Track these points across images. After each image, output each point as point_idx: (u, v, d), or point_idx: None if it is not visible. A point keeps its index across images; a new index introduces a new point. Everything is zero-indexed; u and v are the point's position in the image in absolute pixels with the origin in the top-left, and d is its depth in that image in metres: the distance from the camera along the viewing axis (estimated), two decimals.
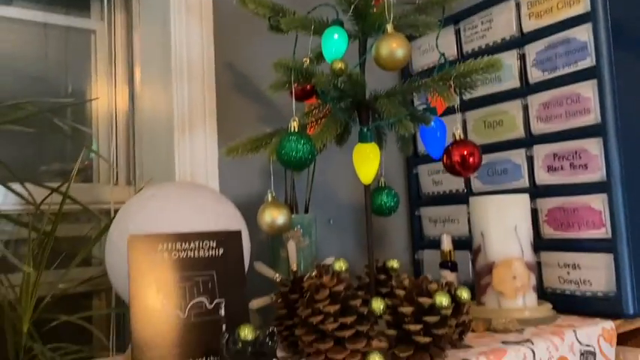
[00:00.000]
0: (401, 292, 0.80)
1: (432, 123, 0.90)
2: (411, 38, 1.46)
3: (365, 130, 0.85)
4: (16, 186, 1.04)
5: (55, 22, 1.34)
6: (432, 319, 0.76)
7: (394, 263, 0.98)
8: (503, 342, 0.89)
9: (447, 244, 1.24)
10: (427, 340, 0.76)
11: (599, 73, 1.07)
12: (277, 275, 1.02)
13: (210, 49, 1.19)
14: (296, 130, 0.79)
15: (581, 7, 1.11)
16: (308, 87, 0.89)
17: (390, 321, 0.79)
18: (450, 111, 1.13)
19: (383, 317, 0.79)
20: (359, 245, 1.42)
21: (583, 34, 1.11)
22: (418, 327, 0.76)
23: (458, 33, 1.37)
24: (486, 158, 1.29)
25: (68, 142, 1.30)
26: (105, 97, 1.34)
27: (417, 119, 0.87)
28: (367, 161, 0.85)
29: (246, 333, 0.70)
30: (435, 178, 1.44)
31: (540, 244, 1.18)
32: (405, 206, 1.52)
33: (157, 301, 0.76)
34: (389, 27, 0.82)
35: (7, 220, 1.05)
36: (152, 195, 0.85)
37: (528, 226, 1.08)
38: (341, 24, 0.91)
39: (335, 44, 0.87)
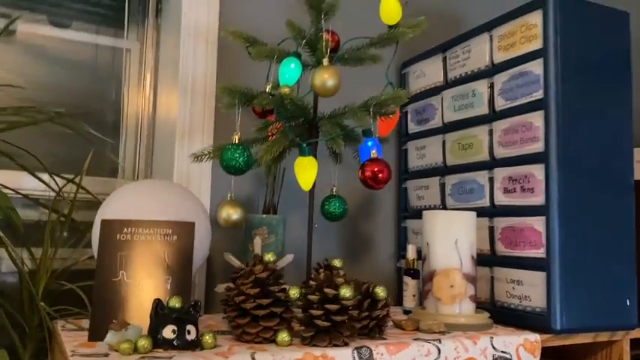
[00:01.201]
0: (313, 283, 0.94)
1: (369, 142, 1.04)
2: (407, 64, 1.60)
3: (304, 145, 1.01)
4: (44, 176, 1.29)
5: (102, 43, 1.60)
6: (332, 307, 0.90)
7: (337, 262, 1.12)
8: (415, 339, 1.01)
9: (411, 254, 1.36)
10: (326, 324, 0.90)
11: (546, 104, 1.16)
12: (242, 265, 1.19)
13: (213, 68, 1.40)
14: (236, 142, 0.96)
15: (538, 43, 1.20)
16: (266, 107, 1.06)
17: (301, 306, 0.94)
18: (423, 134, 1.26)
19: (296, 302, 0.94)
20: (343, 247, 1.56)
21: (537, 67, 1.20)
22: (319, 312, 0.90)
23: (445, 61, 1.49)
24: (458, 177, 1.40)
25: (104, 144, 1.55)
26: (134, 105, 1.58)
27: (350, 138, 1.01)
28: (305, 171, 1.01)
29: (175, 302, 0.88)
30: (418, 194, 1.56)
31: (494, 260, 1.28)
32: (393, 217, 1.64)
33: (117, 273, 0.96)
34: (324, 60, 0.98)
35: (36, 204, 1.29)
36: (128, 188, 1.05)
37: (470, 241, 1.18)
38: (299, 56, 1.07)
39: (289, 72, 1.04)
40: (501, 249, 1.26)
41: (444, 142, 1.46)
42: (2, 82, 1.48)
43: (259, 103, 0.99)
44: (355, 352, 0.92)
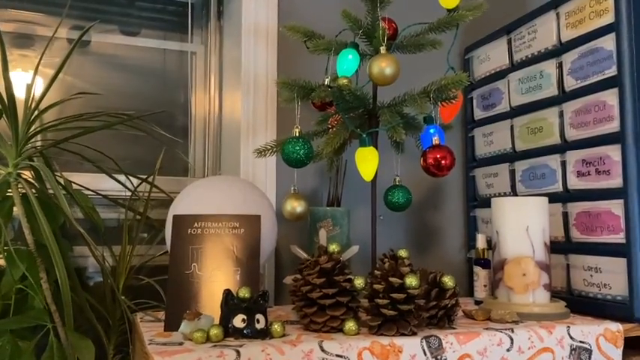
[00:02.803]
0: (378, 273, 0.94)
1: (431, 130, 1.03)
2: (470, 49, 1.57)
3: (364, 135, 1.01)
4: (121, 177, 1.36)
5: (169, 48, 1.67)
6: (398, 296, 0.90)
7: (402, 252, 1.11)
8: (487, 328, 0.98)
9: (481, 243, 1.33)
10: (393, 313, 0.90)
11: (621, 81, 1.10)
12: (308, 257, 1.21)
13: (274, 65, 1.42)
14: (297, 135, 0.97)
15: (609, 17, 1.14)
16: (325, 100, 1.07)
17: (367, 296, 0.94)
18: (489, 120, 1.23)
19: (362, 292, 0.94)
20: (409, 239, 1.55)
21: (609, 43, 1.14)
22: (385, 301, 0.90)
23: (509, 43, 1.44)
24: (529, 163, 1.36)
25: (175, 144, 1.61)
26: (201, 106, 1.63)
27: (411, 127, 1.00)
28: (366, 162, 1.01)
29: (244, 292, 0.91)
30: (487, 181, 1.51)
31: (570, 247, 1.22)
32: (462, 207, 1.61)
33: (189, 266, 1.00)
34: (382, 49, 0.97)
35: (114, 203, 1.37)
36: (197, 185, 1.09)
37: (543, 227, 1.14)
38: (356, 46, 1.07)
39: (347, 63, 1.04)
40: (577, 235, 1.21)
41: (512, 127, 1.42)
42: (80, 89, 1.57)
43: (317, 95, 1.00)
44: (424, 341, 0.91)
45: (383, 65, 0.95)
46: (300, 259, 1.22)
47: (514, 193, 1.41)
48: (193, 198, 1.08)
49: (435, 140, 0.97)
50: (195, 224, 1.02)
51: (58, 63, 1.19)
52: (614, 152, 1.12)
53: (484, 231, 1.51)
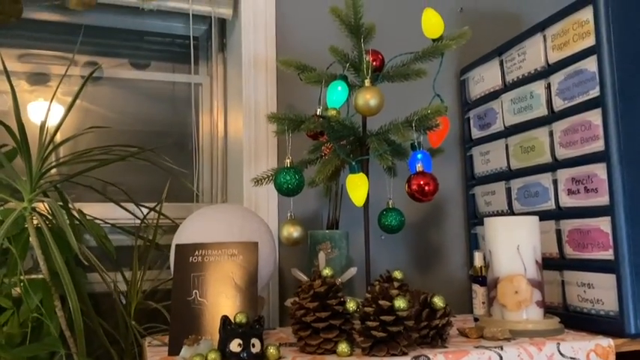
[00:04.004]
0: (369, 296, 0.98)
1: (419, 155, 1.07)
2: (465, 71, 1.61)
3: (353, 163, 1.06)
4: (130, 205, 1.43)
5: (177, 80, 1.75)
6: (387, 318, 0.94)
7: (397, 274, 1.16)
8: (477, 347, 1.02)
9: (478, 261, 1.36)
10: (383, 335, 0.94)
11: (603, 102, 1.13)
12: (308, 280, 1.25)
13: (274, 94, 1.48)
14: (288, 165, 1.03)
15: (591, 40, 1.18)
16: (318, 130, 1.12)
17: (359, 318, 0.98)
18: (486, 139, 1.27)
19: (355, 315, 0.99)
20: (411, 258, 1.58)
21: (592, 65, 1.17)
22: (375, 324, 0.94)
23: (501, 64, 1.48)
24: (523, 181, 1.39)
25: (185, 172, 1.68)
26: (208, 134, 1.70)
27: (399, 153, 1.05)
28: (356, 188, 1.06)
29: (240, 318, 0.96)
30: (486, 199, 1.55)
31: (564, 263, 1.25)
32: (463, 225, 1.64)
33: (190, 292, 1.05)
34: (367, 81, 1.02)
35: (123, 231, 1.44)
36: (198, 214, 1.15)
37: (534, 245, 1.17)
38: (345, 78, 1.13)
39: (336, 95, 1.10)
40: (570, 252, 1.23)
41: (506, 146, 1.45)
42: (95, 114, 1.66)
43: (307, 127, 1.05)
44: None
45: (367, 97, 1.00)
46: (301, 281, 1.27)
47: (511, 210, 1.44)
48: (195, 227, 1.14)
49: (419, 167, 1.02)
50: (196, 252, 1.08)
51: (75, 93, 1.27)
52: (600, 171, 1.15)
53: (483, 248, 1.54)
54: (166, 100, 1.76)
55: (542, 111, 1.32)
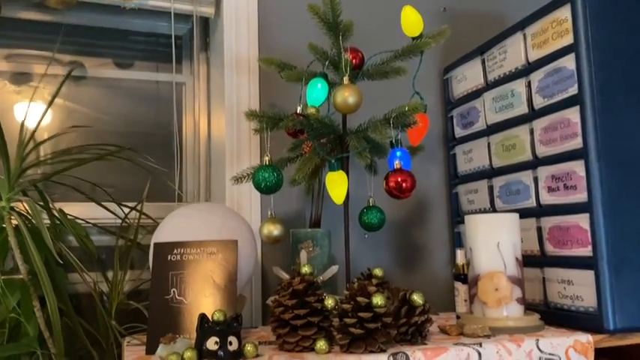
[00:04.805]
0: (347, 293, 0.98)
1: (398, 153, 1.07)
2: (448, 69, 1.61)
3: (332, 161, 1.05)
4: (112, 205, 1.42)
5: (160, 79, 1.74)
6: (365, 314, 0.94)
7: (377, 271, 1.16)
8: (456, 344, 1.02)
9: (460, 258, 1.36)
10: (360, 332, 0.94)
11: (581, 99, 1.14)
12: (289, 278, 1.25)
13: (256, 93, 1.48)
14: (267, 163, 1.02)
15: (569, 38, 1.18)
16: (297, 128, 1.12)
17: (337, 315, 0.98)
18: (468, 138, 1.27)
19: (334, 312, 0.99)
20: (395, 257, 1.59)
21: (570, 62, 1.18)
22: (353, 320, 0.94)
23: (483, 63, 1.48)
24: (505, 179, 1.39)
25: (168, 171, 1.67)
26: (191, 133, 1.70)
27: (378, 151, 1.05)
28: (336, 186, 1.06)
29: (218, 315, 0.95)
30: (469, 198, 1.55)
31: (544, 260, 1.26)
32: (446, 224, 1.65)
33: (169, 291, 1.05)
34: (345, 79, 1.02)
35: (104, 231, 1.43)
36: (177, 213, 1.15)
37: (514, 243, 1.17)
38: (325, 76, 1.13)
39: (316, 92, 1.09)
40: (550, 249, 1.24)
41: (489, 145, 1.46)
42: (78, 112, 1.65)
43: (285, 125, 1.05)
44: (391, 357, 0.94)
45: (346, 95, 1.00)
46: (284, 279, 1.26)
47: (493, 208, 1.44)
48: (174, 225, 1.13)
49: (397, 164, 1.02)
50: (175, 251, 1.07)
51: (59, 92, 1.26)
52: (579, 168, 1.16)
53: (465, 246, 1.54)
54: (151, 100, 1.75)
55: (522, 109, 1.33)
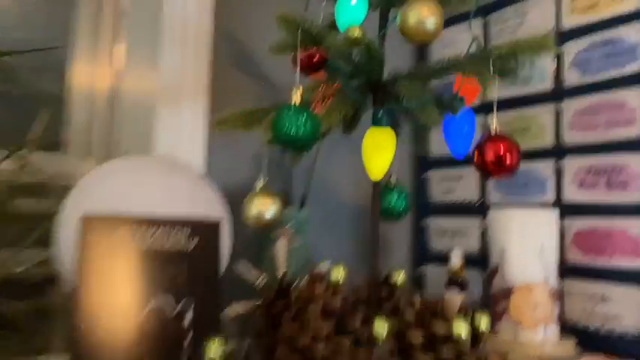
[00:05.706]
0: (410, 314, 0.65)
1: (461, 114, 0.76)
2: None
3: (381, 112, 0.70)
4: None
5: None
6: (447, 352, 0.61)
7: (400, 277, 0.83)
8: None
9: (457, 260, 1.09)
10: None
11: None
12: (262, 279, 0.87)
13: (208, 13, 1.05)
14: (298, 102, 0.64)
15: (631, 3, 0.97)
16: (316, 57, 0.74)
17: (394, 348, 0.64)
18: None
19: (383, 343, 0.64)
20: (358, 251, 1.27)
21: (631, 33, 0.97)
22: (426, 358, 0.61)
23: (485, 27, 1.23)
24: None
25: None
26: (86, 61, 1.19)
27: (445, 106, 0.72)
28: (380, 151, 0.71)
29: (215, 349, 0.55)
30: (447, 186, 1.29)
31: (565, 269, 1.04)
32: (410, 215, 1.37)
33: (109, 298, 0.61)
34: None
35: None
36: (115, 170, 0.70)
37: (555, 248, 0.94)
38: None
39: (351, 10, 0.73)
40: (576, 256, 1.03)
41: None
42: None
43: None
44: None
45: (424, 14, 0.66)
46: (250, 280, 0.88)
47: (483, 201, 1.20)
48: (111, 189, 0.68)
49: (494, 128, 0.70)
50: (121, 231, 0.64)
51: None
52: (634, 161, 0.96)
53: (438, 244, 1.29)
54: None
55: (544, 85, 1.10)
